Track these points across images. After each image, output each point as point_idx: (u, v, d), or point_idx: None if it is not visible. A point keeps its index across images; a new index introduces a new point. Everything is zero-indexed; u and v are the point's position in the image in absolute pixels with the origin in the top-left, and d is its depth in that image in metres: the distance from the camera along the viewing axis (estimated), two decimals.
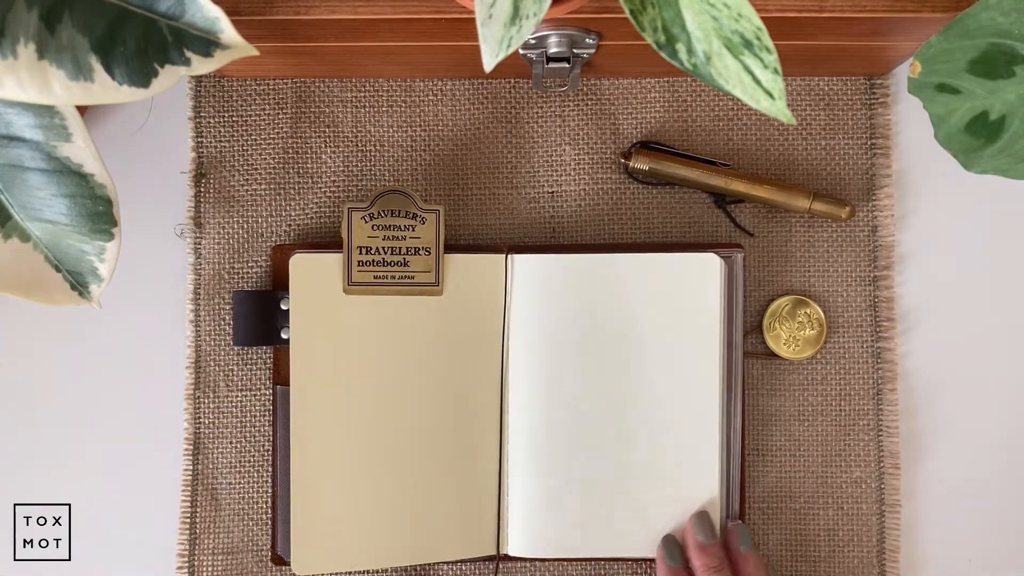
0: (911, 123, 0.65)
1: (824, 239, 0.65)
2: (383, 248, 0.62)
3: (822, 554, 0.64)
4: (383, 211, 0.62)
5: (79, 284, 0.53)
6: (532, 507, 0.61)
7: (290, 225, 0.65)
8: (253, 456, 0.64)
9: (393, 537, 0.60)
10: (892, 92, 0.65)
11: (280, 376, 0.63)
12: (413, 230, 0.63)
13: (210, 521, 0.64)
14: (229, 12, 0.44)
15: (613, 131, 0.65)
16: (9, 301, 0.53)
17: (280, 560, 0.63)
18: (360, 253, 0.61)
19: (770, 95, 0.41)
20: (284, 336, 0.62)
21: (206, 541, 0.64)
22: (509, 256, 0.62)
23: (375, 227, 0.62)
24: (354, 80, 0.66)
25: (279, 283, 0.63)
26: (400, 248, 0.62)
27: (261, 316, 0.63)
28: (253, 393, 0.65)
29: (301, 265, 0.61)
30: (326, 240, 0.65)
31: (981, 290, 0.65)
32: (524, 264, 0.62)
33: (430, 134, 0.66)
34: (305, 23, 0.52)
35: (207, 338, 0.65)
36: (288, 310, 0.61)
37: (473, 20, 0.40)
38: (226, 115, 0.66)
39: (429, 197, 0.65)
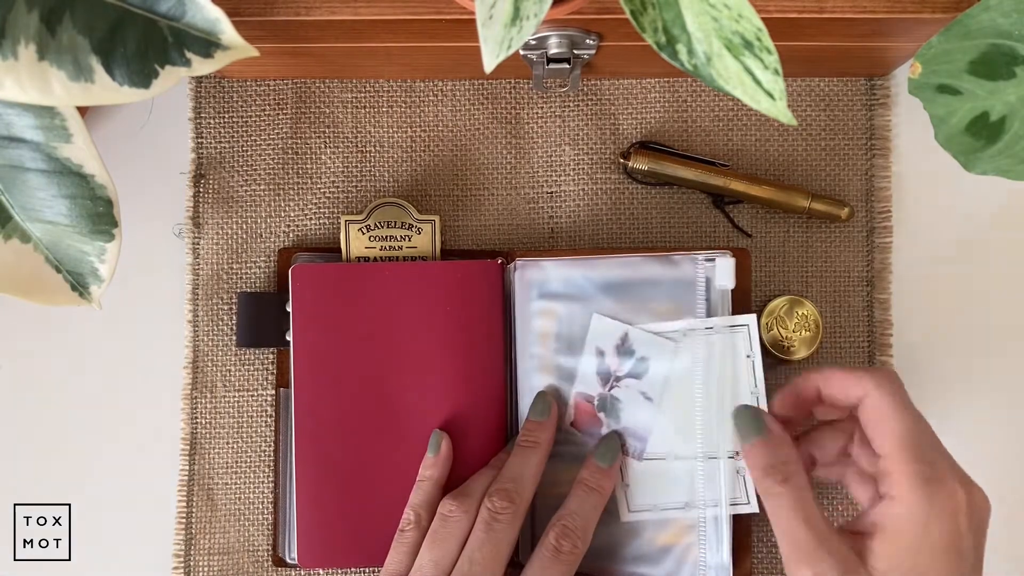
0: (911, 124, 0.66)
1: (821, 240, 0.65)
2: (380, 258, 0.63)
3: None
4: (379, 222, 0.63)
5: (79, 285, 0.53)
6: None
7: (289, 226, 0.65)
8: (250, 457, 0.64)
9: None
10: (892, 93, 0.65)
11: (283, 379, 0.63)
12: (410, 240, 0.63)
13: (206, 521, 0.64)
14: (230, 13, 0.44)
15: (613, 131, 0.66)
16: (9, 302, 0.53)
17: (281, 562, 0.63)
18: (358, 263, 0.62)
19: (770, 96, 0.41)
20: (289, 339, 0.62)
21: (202, 541, 0.64)
22: (506, 263, 0.62)
23: (372, 238, 0.63)
24: (354, 81, 0.66)
25: (284, 285, 0.63)
26: (397, 258, 0.63)
27: (266, 318, 0.63)
28: (251, 394, 0.65)
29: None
30: (329, 243, 0.65)
31: (979, 292, 0.65)
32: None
33: (430, 135, 0.66)
34: (305, 24, 0.52)
35: (205, 338, 0.65)
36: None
37: (473, 21, 0.40)
38: (226, 116, 0.66)
39: (429, 198, 0.65)
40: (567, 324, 0.60)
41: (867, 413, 0.50)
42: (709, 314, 0.59)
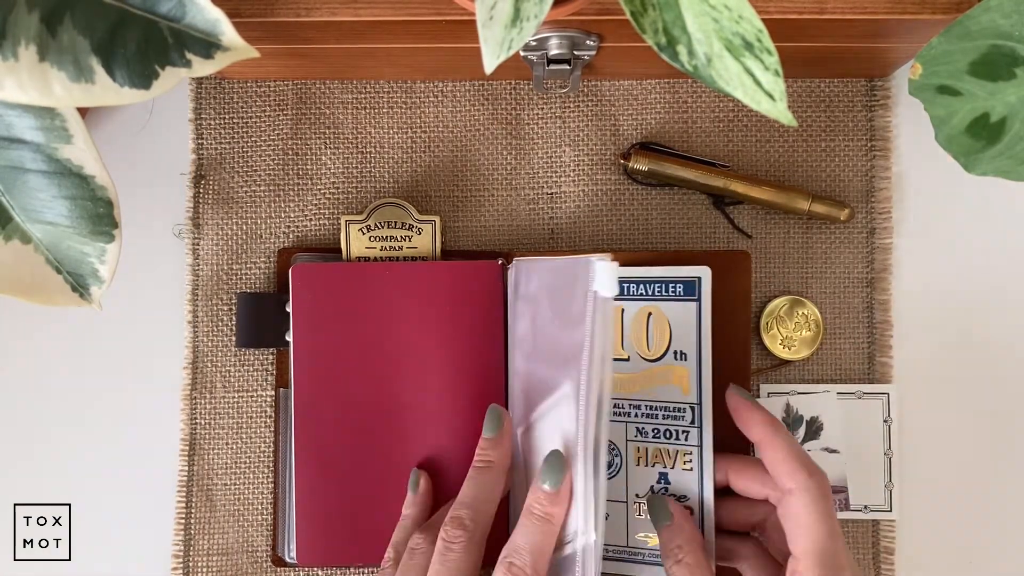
0: (911, 125, 0.66)
1: (822, 241, 0.65)
2: (381, 259, 0.63)
3: None
4: (379, 223, 0.63)
5: (80, 286, 0.53)
6: None
7: (289, 227, 0.65)
8: (249, 457, 0.64)
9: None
10: (892, 94, 0.65)
11: (283, 379, 0.63)
12: (410, 240, 0.63)
13: (205, 522, 0.64)
14: (230, 14, 0.44)
15: (613, 132, 0.66)
16: (9, 302, 0.53)
17: (280, 561, 0.63)
18: (358, 264, 0.63)
19: (771, 97, 0.41)
20: (288, 339, 0.62)
21: (201, 542, 0.64)
22: (507, 263, 0.62)
23: (372, 238, 0.63)
24: (354, 82, 0.66)
25: (284, 286, 0.63)
26: (398, 258, 0.63)
27: (265, 318, 0.63)
28: (250, 394, 0.65)
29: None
30: (328, 243, 0.65)
31: (979, 293, 0.66)
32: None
33: (430, 135, 0.66)
34: (306, 25, 0.52)
35: (204, 339, 0.65)
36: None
37: (474, 22, 0.40)
38: (226, 117, 0.66)
39: (429, 199, 0.65)
40: (537, 325, 0.59)
41: (788, 510, 0.51)
42: (591, 322, 0.52)
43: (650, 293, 0.59)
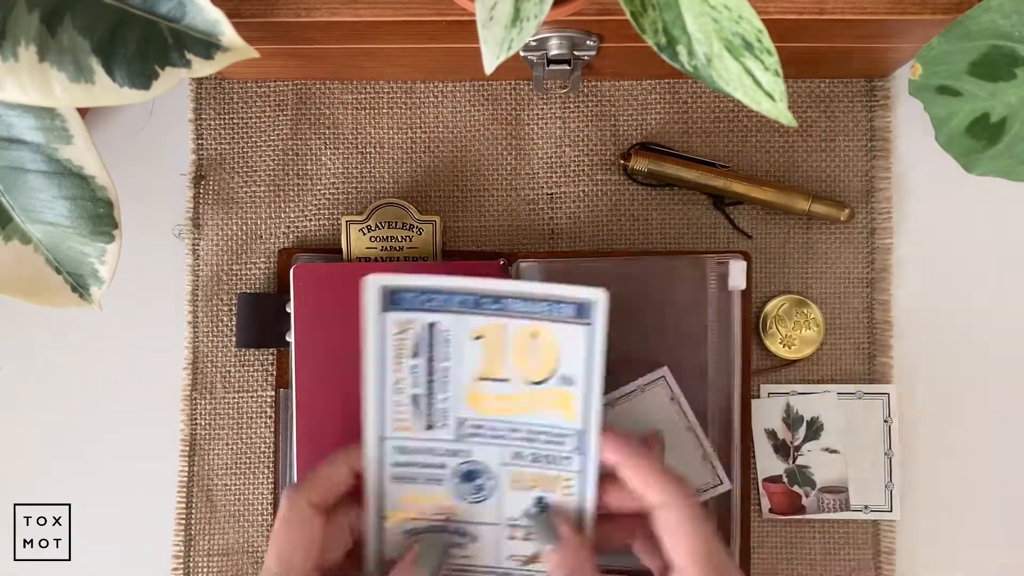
0: (911, 125, 0.66)
1: (822, 241, 0.65)
2: (381, 259, 0.63)
3: (817, 556, 0.64)
4: (380, 223, 0.63)
5: (80, 286, 0.53)
6: None
7: (289, 227, 0.65)
8: (249, 458, 0.64)
9: None
10: (892, 94, 0.65)
11: (283, 379, 0.63)
12: (410, 240, 0.63)
13: (205, 522, 0.64)
14: (230, 14, 0.44)
15: (613, 132, 0.66)
16: (9, 302, 0.53)
17: None
18: (360, 263, 0.63)
19: (771, 97, 0.41)
20: (289, 339, 0.62)
21: (201, 542, 0.64)
22: (507, 263, 0.62)
23: (373, 238, 0.63)
24: (355, 82, 0.66)
25: (284, 286, 0.63)
26: (398, 259, 0.63)
27: (266, 319, 0.63)
28: (250, 395, 0.65)
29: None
30: (328, 244, 0.65)
31: (979, 293, 0.65)
32: None
33: (430, 136, 0.66)
34: (306, 25, 0.52)
35: (204, 339, 0.65)
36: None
37: (474, 22, 0.40)
38: (226, 117, 0.66)
39: (429, 199, 0.65)
40: None
41: (662, 523, 0.50)
42: (718, 315, 0.60)
43: (536, 312, 0.52)
